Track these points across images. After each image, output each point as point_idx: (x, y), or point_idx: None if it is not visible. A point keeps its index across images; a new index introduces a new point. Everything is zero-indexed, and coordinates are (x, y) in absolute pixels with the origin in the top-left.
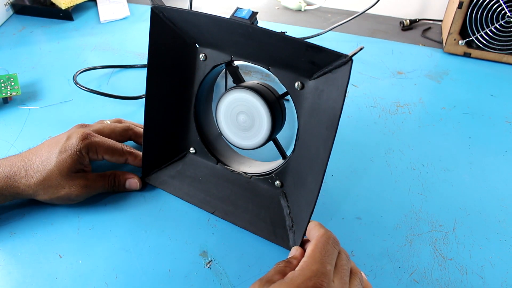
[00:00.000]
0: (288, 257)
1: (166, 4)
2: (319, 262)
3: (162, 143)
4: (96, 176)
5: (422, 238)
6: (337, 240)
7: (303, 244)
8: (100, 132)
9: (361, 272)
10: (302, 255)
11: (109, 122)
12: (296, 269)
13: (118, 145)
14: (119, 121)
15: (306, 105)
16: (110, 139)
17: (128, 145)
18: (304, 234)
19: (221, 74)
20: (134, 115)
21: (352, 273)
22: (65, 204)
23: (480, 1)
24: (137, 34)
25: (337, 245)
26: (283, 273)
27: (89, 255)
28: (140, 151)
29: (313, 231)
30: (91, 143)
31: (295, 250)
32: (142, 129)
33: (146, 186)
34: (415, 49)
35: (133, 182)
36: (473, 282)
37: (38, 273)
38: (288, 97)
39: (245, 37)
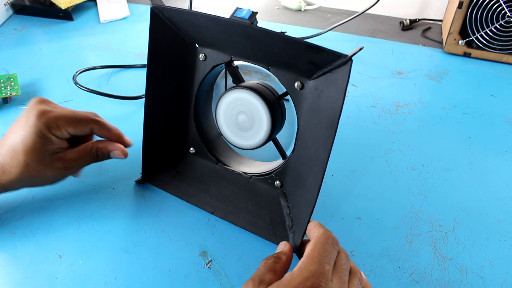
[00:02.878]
0: (276, 251)
1: (166, 4)
2: (318, 262)
3: (162, 143)
4: (75, 154)
5: (422, 238)
6: (336, 240)
7: (303, 244)
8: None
9: (361, 272)
10: (291, 250)
11: None
12: (295, 269)
13: (80, 113)
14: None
15: (306, 105)
16: (69, 109)
17: (94, 113)
18: (304, 234)
19: (221, 74)
20: (134, 115)
21: (351, 272)
22: (65, 201)
23: (480, 1)
24: (137, 34)
25: (336, 245)
26: (273, 270)
27: (89, 255)
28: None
29: (313, 231)
30: (49, 119)
31: (283, 245)
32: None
33: (146, 186)
34: (415, 49)
35: (117, 153)
36: (473, 282)
37: (38, 273)
38: (288, 97)
39: (245, 37)
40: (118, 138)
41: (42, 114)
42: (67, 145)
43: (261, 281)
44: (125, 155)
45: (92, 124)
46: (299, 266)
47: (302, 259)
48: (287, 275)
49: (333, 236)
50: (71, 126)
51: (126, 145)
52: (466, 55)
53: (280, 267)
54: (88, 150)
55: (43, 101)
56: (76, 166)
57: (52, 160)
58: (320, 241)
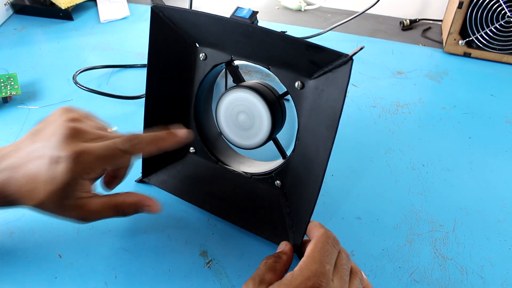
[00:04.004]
0: (277, 251)
1: (166, 4)
2: (318, 262)
3: None
4: (99, 206)
5: (422, 238)
6: (337, 240)
7: (303, 244)
8: (92, 135)
9: (361, 271)
10: (291, 250)
11: (114, 130)
12: (295, 269)
13: (111, 146)
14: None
15: (306, 105)
16: (107, 142)
17: (124, 134)
18: (304, 234)
19: (221, 74)
20: (134, 115)
21: (352, 272)
22: None
23: (480, 1)
24: (137, 34)
25: (336, 245)
26: (274, 270)
27: (89, 255)
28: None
29: (313, 231)
30: (84, 165)
31: (284, 245)
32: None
33: (146, 186)
34: (415, 49)
35: (152, 209)
36: (473, 282)
37: (38, 273)
38: (288, 96)
39: (245, 37)
40: None
41: (77, 156)
42: (90, 194)
43: (261, 280)
44: (161, 209)
45: (128, 155)
46: (300, 266)
47: (303, 259)
48: (288, 275)
49: (334, 236)
50: (107, 165)
51: None
52: (466, 55)
53: (280, 267)
54: (112, 204)
55: (72, 119)
56: (95, 218)
57: (71, 206)
58: (321, 241)
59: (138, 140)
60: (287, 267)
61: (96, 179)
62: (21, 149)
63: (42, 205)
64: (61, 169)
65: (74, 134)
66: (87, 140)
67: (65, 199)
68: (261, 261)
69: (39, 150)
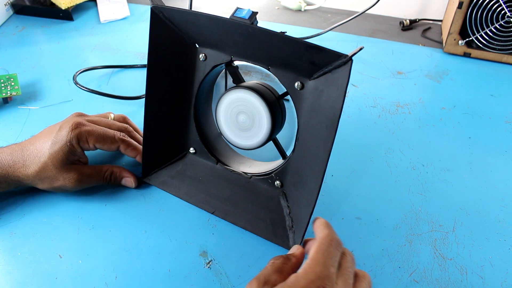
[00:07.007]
0: (288, 253)
1: (166, 4)
2: (322, 264)
3: (162, 143)
4: (91, 171)
5: (422, 238)
6: (340, 242)
7: (304, 243)
8: (95, 123)
9: (369, 276)
10: (302, 254)
11: (112, 116)
12: (299, 271)
13: (110, 132)
14: (124, 119)
15: (306, 105)
16: (101, 127)
17: (126, 126)
18: (304, 234)
19: (221, 74)
20: (134, 115)
21: (359, 276)
22: (65, 201)
23: (480, 1)
24: (137, 34)
25: (339, 247)
26: (280, 271)
27: (89, 255)
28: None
29: (317, 231)
30: (80, 132)
31: (296, 249)
32: (139, 136)
33: (146, 186)
34: (415, 49)
35: (129, 181)
36: (473, 282)
37: (38, 273)
38: (288, 97)
39: (245, 37)
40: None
41: (76, 126)
42: (86, 160)
43: (266, 281)
44: (136, 184)
45: (119, 143)
46: (304, 268)
47: (307, 261)
48: (291, 277)
49: (337, 238)
50: (99, 142)
51: None
52: (466, 55)
53: (288, 269)
54: (103, 171)
55: (80, 114)
56: (87, 182)
57: (69, 169)
58: (324, 243)
59: (128, 139)
60: (295, 270)
61: (88, 150)
62: (35, 136)
63: (45, 168)
64: (63, 133)
65: (79, 114)
66: (89, 119)
67: (65, 160)
68: (268, 261)
69: (48, 130)
